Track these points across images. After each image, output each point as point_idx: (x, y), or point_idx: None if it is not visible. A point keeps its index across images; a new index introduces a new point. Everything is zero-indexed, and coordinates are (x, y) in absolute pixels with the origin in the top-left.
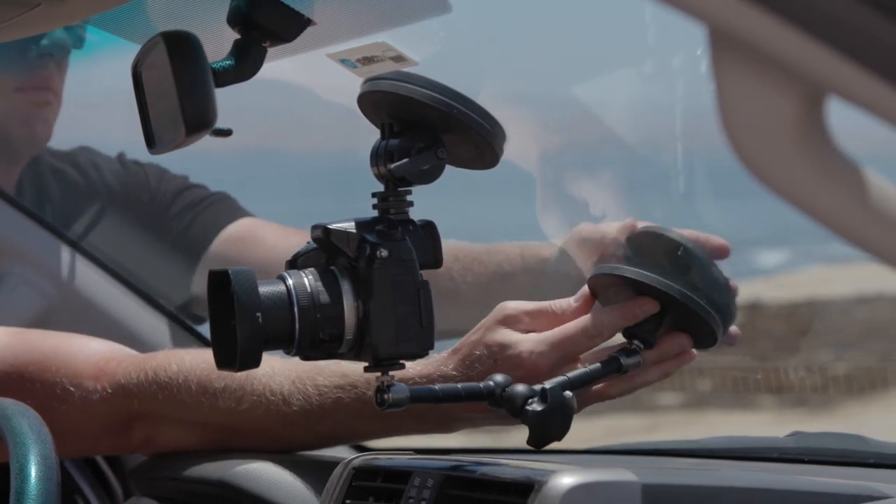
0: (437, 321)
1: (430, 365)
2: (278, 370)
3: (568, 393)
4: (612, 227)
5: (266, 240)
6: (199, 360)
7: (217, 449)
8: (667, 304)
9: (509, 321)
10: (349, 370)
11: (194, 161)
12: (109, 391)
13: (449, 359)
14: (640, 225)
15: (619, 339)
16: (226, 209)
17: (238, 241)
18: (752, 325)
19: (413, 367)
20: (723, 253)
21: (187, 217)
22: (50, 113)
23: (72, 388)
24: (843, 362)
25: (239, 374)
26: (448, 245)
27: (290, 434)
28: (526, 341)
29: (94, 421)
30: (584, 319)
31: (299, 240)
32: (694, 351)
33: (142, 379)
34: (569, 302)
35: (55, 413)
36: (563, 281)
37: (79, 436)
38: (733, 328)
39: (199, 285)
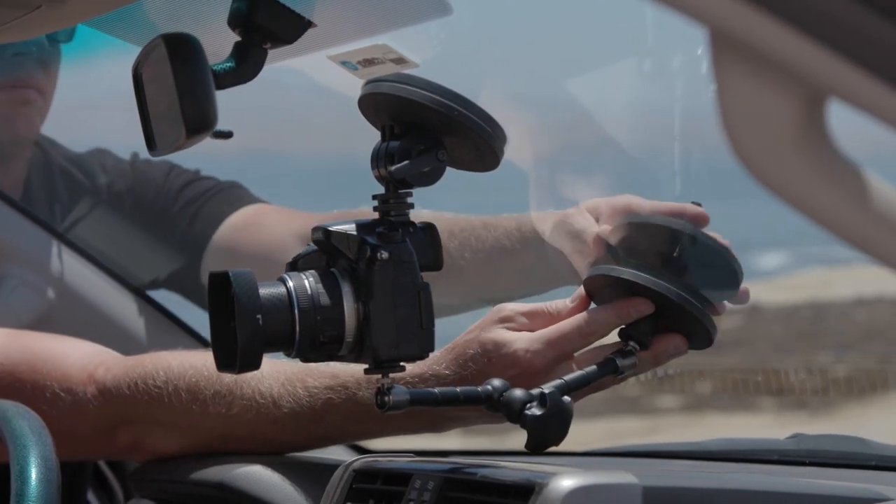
0: (439, 296)
1: (423, 364)
2: (267, 373)
3: (566, 398)
4: (599, 225)
5: (267, 225)
6: (186, 367)
7: (207, 453)
8: (662, 306)
9: (505, 321)
10: (339, 371)
11: (194, 163)
12: (99, 397)
13: (442, 357)
14: (621, 205)
15: (613, 337)
16: (232, 197)
17: (242, 229)
18: (752, 328)
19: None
20: (702, 221)
21: (192, 208)
22: (33, 111)
23: (62, 393)
24: (843, 364)
25: (228, 378)
26: (445, 220)
27: (280, 436)
28: (521, 339)
29: (83, 425)
30: (579, 318)
31: (302, 223)
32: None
33: (131, 386)
34: (565, 303)
35: (45, 416)
36: (560, 259)
37: (68, 439)
38: (742, 286)
39: (205, 275)
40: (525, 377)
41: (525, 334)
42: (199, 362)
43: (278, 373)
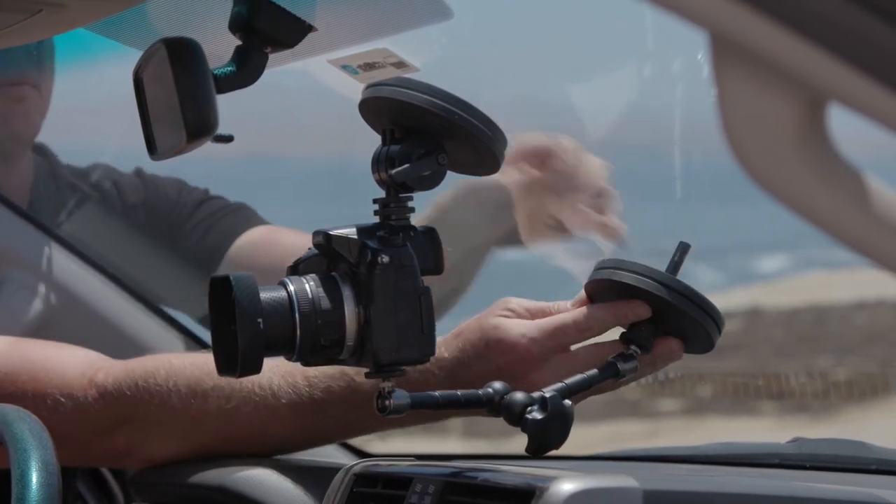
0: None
1: None
2: (267, 367)
3: (567, 402)
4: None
5: (283, 243)
6: (186, 364)
7: (208, 455)
8: (664, 310)
9: (509, 311)
10: None
11: (195, 167)
12: (100, 400)
13: (443, 342)
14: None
15: (612, 334)
16: (244, 217)
17: (256, 246)
18: (753, 331)
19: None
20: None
21: (206, 225)
22: (30, 107)
23: (63, 399)
24: (844, 368)
25: None
26: None
27: (280, 430)
28: (519, 326)
29: (84, 429)
30: (578, 312)
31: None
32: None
33: (131, 386)
34: (566, 303)
35: (46, 423)
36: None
37: (69, 443)
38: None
39: None
40: (519, 364)
41: (524, 322)
42: (199, 360)
43: (277, 366)
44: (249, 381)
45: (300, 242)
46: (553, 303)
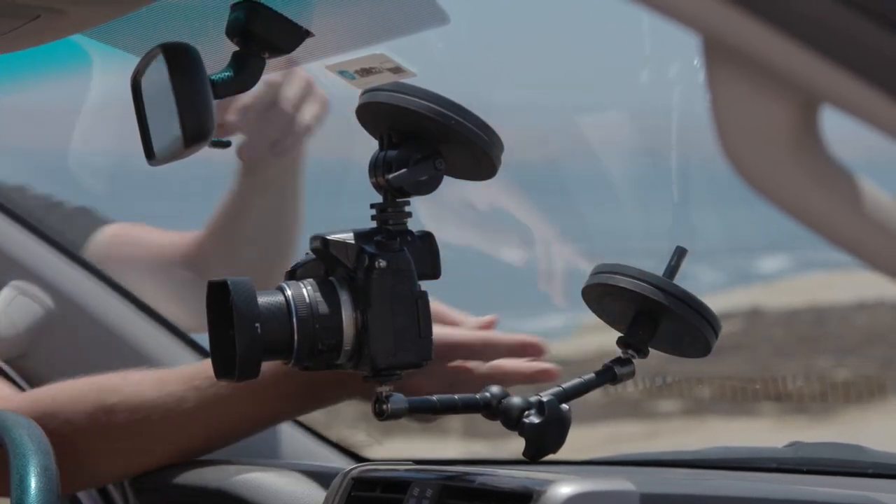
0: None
1: None
2: (173, 374)
3: (564, 406)
4: None
5: (136, 237)
6: (92, 384)
7: (128, 475)
8: (660, 314)
9: None
10: None
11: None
12: None
13: None
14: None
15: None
16: (92, 218)
17: (111, 242)
18: (753, 332)
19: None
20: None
21: (59, 229)
22: None
23: None
24: (843, 369)
25: (131, 388)
26: None
27: (199, 428)
28: None
29: None
30: (476, 335)
31: (171, 238)
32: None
33: (35, 412)
34: (473, 320)
35: None
36: None
37: None
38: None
39: None
40: None
41: None
42: (100, 378)
43: (181, 371)
44: (156, 391)
45: (151, 236)
46: (460, 315)
